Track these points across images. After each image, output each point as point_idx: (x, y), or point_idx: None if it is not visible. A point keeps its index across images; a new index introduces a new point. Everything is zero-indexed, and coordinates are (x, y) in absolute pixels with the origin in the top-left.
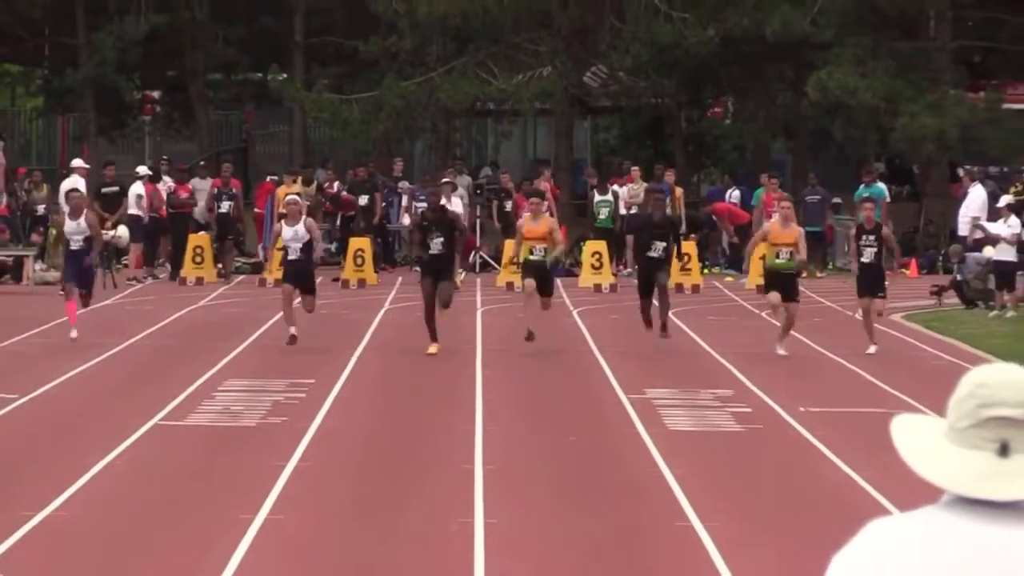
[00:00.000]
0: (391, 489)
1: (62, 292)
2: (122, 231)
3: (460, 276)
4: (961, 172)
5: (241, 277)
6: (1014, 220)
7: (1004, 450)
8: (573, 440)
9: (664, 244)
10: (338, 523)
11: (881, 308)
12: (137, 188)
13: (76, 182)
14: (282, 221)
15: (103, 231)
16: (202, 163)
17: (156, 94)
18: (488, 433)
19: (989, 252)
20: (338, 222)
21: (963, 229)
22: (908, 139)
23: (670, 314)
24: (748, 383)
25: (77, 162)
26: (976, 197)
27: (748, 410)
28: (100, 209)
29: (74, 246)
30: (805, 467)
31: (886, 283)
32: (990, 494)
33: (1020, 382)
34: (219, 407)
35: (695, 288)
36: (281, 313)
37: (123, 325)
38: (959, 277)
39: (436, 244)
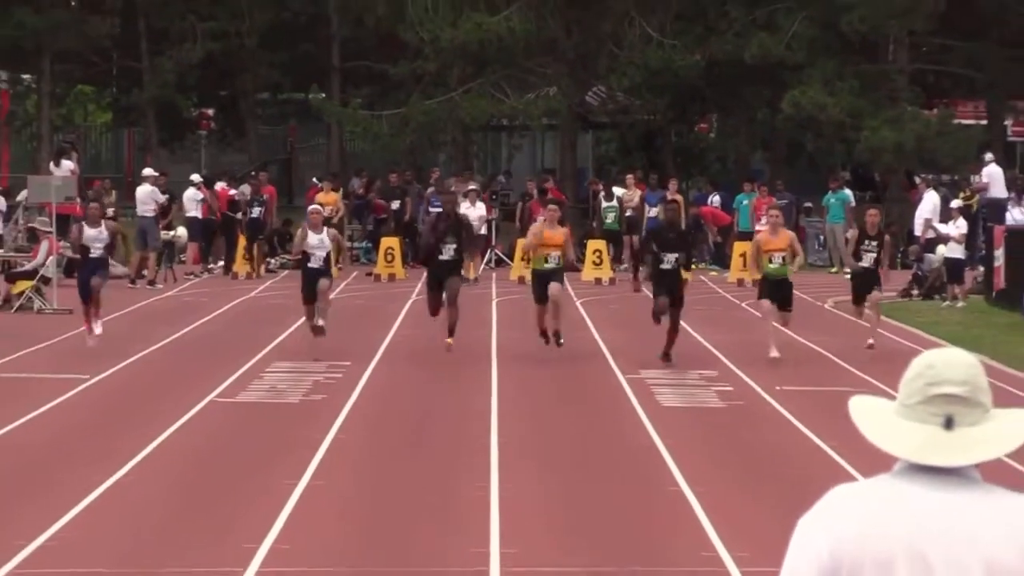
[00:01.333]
0: (417, 458)
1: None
2: (181, 231)
3: (476, 272)
4: (917, 179)
5: (286, 272)
6: (962, 222)
7: (949, 423)
8: (577, 415)
9: (676, 256)
10: (370, 488)
11: (877, 298)
12: (191, 193)
13: (151, 190)
14: (306, 228)
15: (163, 232)
16: (252, 172)
17: (211, 111)
18: (502, 410)
19: (941, 250)
20: (370, 224)
21: (918, 230)
22: (870, 150)
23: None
24: (731, 365)
25: (148, 171)
26: (929, 201)
27: (730, 389)
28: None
29: (95, 253)
30: (780, 438)
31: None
32: (937, 461)
33: (963, 364)
34: (266, 386)
35: (683, 282)
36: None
37: (182, 314)
38: (919, 272)
39: (448, 250)
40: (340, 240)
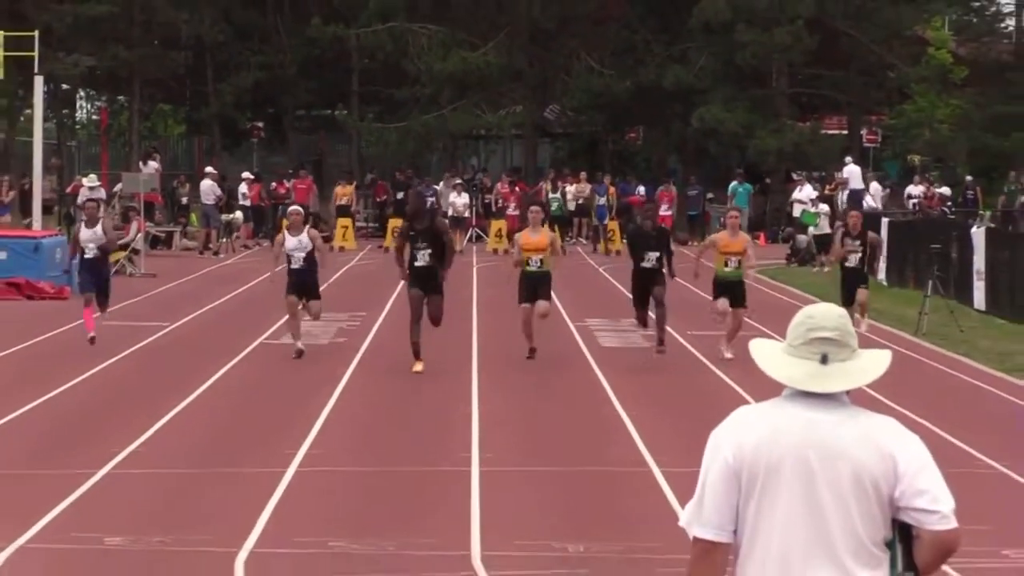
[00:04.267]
0: (416, 385)
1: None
2: (238, 214)
3: (461, 244)
4: (794, 175)
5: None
6: (824, 206)
7: (824, 359)
8: (537, 352)
9: (657, 254)
10: (384, 405)
11: (864, 298)
12: (243, 187)
13: (211, 184)
14: (285, 230)
15: (223, 216)
16: (290, 171)
17: (260, 124)
18: (481, 349)
19: (812, 229)
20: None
21: (796, 213)
22: (759, 153)
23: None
24: (653, 316)
25: (209, 169)
26: (805, 192)
27: (652, 331)
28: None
29: (89, 254)
30: (691, 371)
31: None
32: (815, 388)
33: (835, 314)
34: (303, 331)
35: (617, 252)
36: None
37: (239, 277)
38: (794, 246)
39: (423, 256)
40: (318, 240)
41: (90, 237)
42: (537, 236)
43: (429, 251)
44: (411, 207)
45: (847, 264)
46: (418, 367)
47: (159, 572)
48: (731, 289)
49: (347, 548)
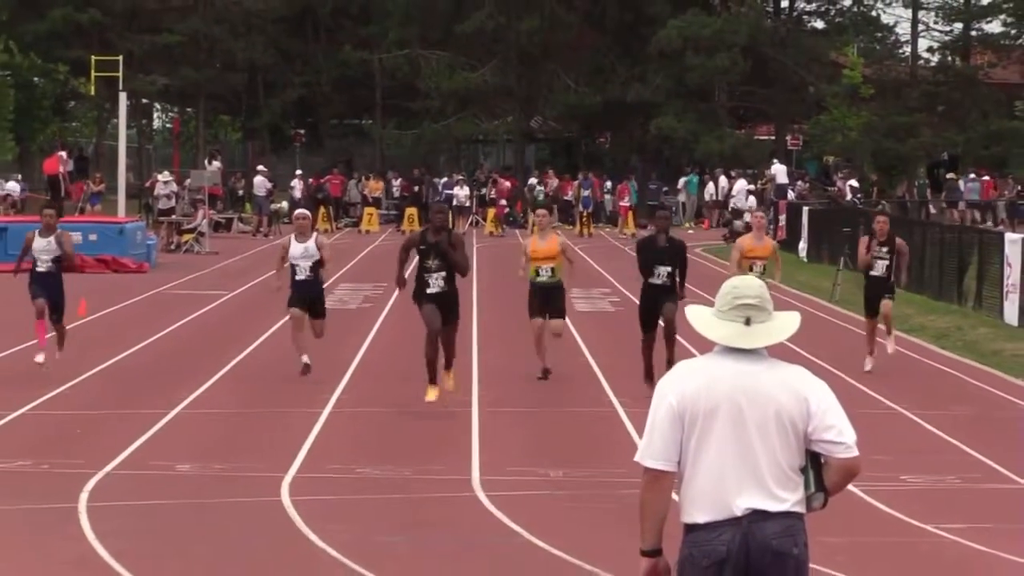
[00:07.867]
0: None
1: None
2: (283, 203)
3: (463, 229)
4: (732, 173)
5: (348, 229)
6: (752, 199)
7: (748, 321)
8: (524, 318)
9: (668, 269)
10: (399, 360)
11: (888, 310)
12: (293, 182)
13: (262, 180)
14: (291, 236)
15: (272, 205)
16: (329, 169)
17: (302, 131)
18: (480, 317)
19: (747, 217)
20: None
21: (737, 204)
22: (704, 155)
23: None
24: (618, 285)
25: (260, 167)
26: (740, 186)
27: (617, 299)
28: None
29: (41, 267)
30: None
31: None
32: (742, 344)
33: (756, 285)
34: (336, 299)
35: (590, 235)
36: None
37: None
38: (734, 230)
39: (436, 281)
40: (326, 248)
41: (44, 248)
42: (546, 243)
43: (443, 274)
44: (434, 219)
45: (872, 272)
46: (432, 395)
47: (220, 493)
48: None
49: (371, 473)
